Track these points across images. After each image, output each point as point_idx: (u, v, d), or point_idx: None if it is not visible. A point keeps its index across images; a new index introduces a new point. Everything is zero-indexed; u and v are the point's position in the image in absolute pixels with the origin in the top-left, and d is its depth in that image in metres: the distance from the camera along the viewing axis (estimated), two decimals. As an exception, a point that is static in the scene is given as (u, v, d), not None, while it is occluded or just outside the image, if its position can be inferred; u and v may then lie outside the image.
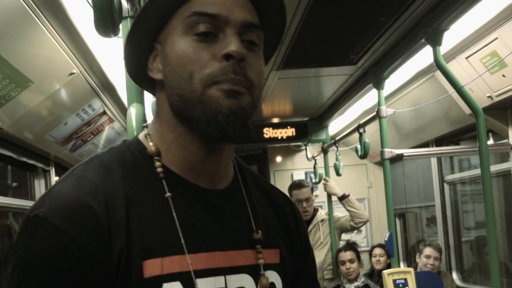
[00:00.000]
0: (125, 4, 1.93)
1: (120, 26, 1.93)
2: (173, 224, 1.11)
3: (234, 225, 1.22)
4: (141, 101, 1.96)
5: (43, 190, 4.64)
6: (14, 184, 4.59)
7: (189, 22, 1.11)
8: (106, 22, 1.67)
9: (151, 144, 1.19)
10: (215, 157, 1.19)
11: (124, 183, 1.11)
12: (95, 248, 1.03)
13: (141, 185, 1.13)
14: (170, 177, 1.16)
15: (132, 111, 1.91)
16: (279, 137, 7.07)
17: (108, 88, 4.11)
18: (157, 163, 1.16)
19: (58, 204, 1.05)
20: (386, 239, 4.19)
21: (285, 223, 1.36)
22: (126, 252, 1.06)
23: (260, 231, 1.24)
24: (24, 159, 4.11)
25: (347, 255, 5.62)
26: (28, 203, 4.46)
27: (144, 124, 1.26)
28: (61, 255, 1.02)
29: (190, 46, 1.10)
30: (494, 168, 4.66)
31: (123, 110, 4.75)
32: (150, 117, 2.43)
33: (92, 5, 1.65)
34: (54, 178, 4.76)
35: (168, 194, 1.13)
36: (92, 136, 4.60)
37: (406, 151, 4.40)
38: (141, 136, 1.23)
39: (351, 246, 5.81)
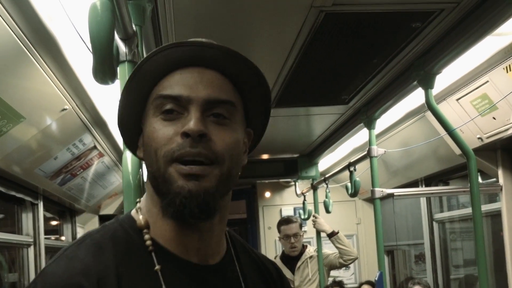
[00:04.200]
0: (122, 48, 1.93)
1: (118, 70, 1.93)
2: None
3: None
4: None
5: (30, 224, 4.61)
6: (0, 216, 4.55)
7: (156, 104, 1.16)
8: (105, 69, 1.66)
9: (140, 217, 1.20)
10: (196, 233, 1.19)
11: (116, 260, 1.11)
12: None
13: (133, 260, 1.14)
14: (160, 250, 1.17)
15: (128, 155, 1.89)
16: (269, 173, 7.06)
17: (99, 123, 4.10)
18: (146, 236, 1.17)
19: (49, 285, 1.06)
20: (376, 278, 4.17)
21: None
22: None
23: None
24: (13, 193, 4.08)
25: (336, 296, 5.58)
26: (14, 237, 4.42)
27: (138, 200, 1.27)
28: None
29: (157, 125, 1.14)
30: (483, 208, 4.67)
31: (114, 145, 4.74)
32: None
33: (92, 51, 1.64)
34: (42, 212, 4.72)
35: (157, 267, 1.13)
36: (81, 170, 4.58)
37: (396, 191, 4.40)
38: (132, 211, 1.25)
39: (339, 285, 5.77)
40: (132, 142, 1.25)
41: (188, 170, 1.10)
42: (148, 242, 1.16)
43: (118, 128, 1.24)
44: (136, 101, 1.19)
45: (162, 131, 1.13)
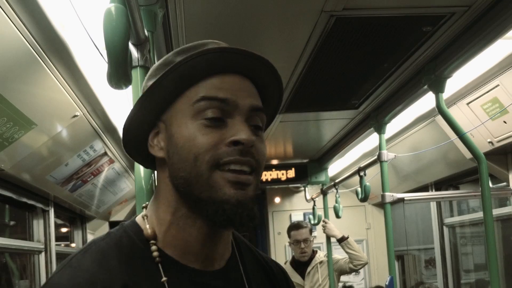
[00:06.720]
0: (135, 53, 1.94)
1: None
2: None
3: None
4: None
5: (41, 230, 4.61)
6: (12, 223, 4.56)
7: (198, 107, 1.12)
8: (120, 75, 1.66)
9: (147, 226, 1.18)
10: (215, 239, 1.19)
11: (121, 269, 1.10)
12: None
13: (138, 270, 1.13)
14: (166, 260, 1.16)
15: (141, 167, 1.90)
16: (279, 179, 7.06)
17: (110, 130, 4.11)
18: (153, 247, 1.16)
19: None
20: (386, 283, 4.16)
21: None
22: None
23: None
24: (24, 200, 4.09)
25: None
26: (25, 244, 4.42)
27: (143, 205, 1.25)
28: None
29: (198, 130, 1.11)
30: (494, 212, 4.65)
31: (124, 151, 4.74)
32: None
33: (107, 57, 1.64)
34: (53, 218, 4.72)
35: (164, 278, 1.13)
36: (92, 177, 4.59)
37: (407, 195, 4.39)
38: (138, 218, 1.23)
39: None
40: (140, 138, 1.21)
41: (236, 178, 1.10)
42: (155, 254, 1.15)
43: (125, 123, 1.19)
44: (163, 99, 1.16)
45: (206, 137, 1.11)
